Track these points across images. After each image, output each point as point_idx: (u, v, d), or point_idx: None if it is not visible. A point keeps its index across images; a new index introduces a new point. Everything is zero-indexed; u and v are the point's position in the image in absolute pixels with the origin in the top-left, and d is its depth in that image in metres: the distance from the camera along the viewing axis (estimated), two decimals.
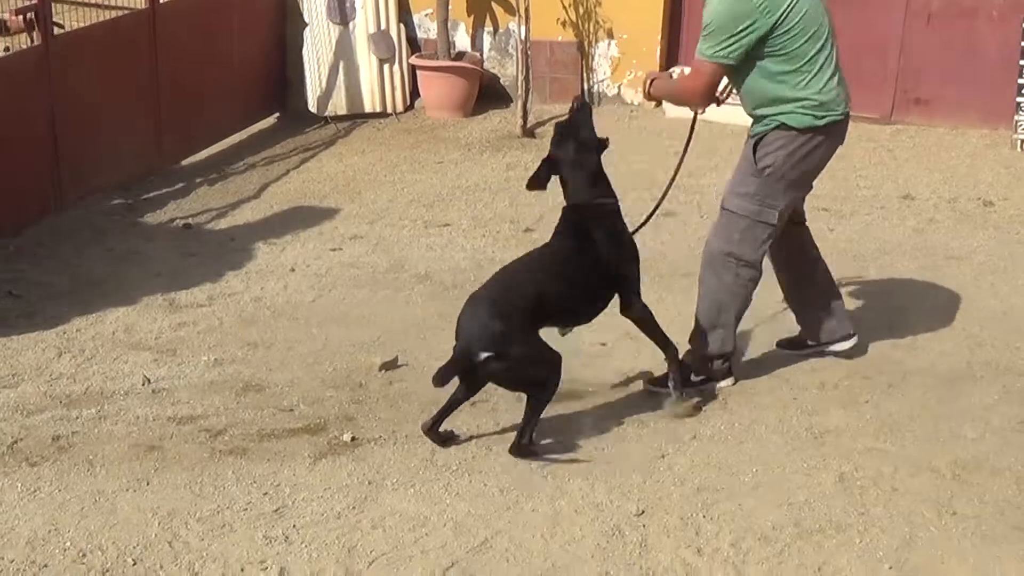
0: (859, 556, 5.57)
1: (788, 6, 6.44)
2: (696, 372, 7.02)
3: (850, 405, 6.87)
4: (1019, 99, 11.34)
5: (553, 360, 6.23)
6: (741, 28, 6.42)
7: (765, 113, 6.68)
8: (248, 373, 7.12)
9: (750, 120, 6.81)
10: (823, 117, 6.64)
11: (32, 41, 9.67)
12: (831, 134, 6.74)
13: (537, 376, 6.21)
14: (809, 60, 6.54)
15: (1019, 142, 11.34)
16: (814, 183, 6.99)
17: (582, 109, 6.67)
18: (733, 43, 6.46)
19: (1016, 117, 11.38)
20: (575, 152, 6.55)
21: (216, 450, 6.36)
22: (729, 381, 7.12)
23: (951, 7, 11.75)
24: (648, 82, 7.04)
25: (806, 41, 6.53)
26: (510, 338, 6.09)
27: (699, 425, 6.65)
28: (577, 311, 6.54)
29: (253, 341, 7.62)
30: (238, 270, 8.78)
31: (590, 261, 6.43)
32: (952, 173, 10.82)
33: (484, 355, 6.05)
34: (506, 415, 6.66)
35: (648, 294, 6.76)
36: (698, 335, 7.01)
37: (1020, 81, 11.34)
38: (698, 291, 7.03)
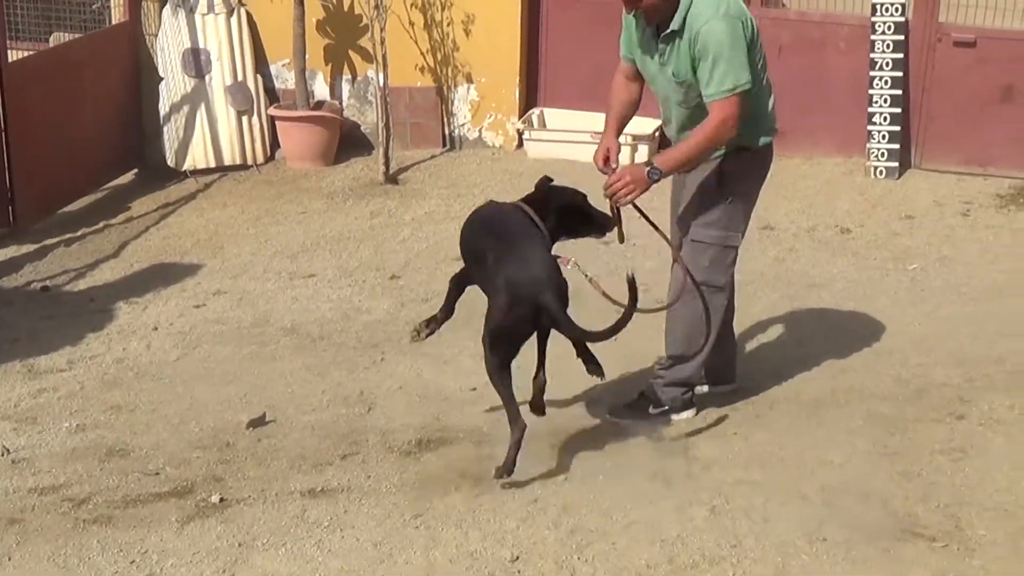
0: None
1: (751, 20, 6.52)
2: (656, 404, 7.06)
3: (719, 438, 6.89)
4: (870, 128, 11.52)
5: None
6: (745, 48, 6.41)
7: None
8: (112, 438, 6.99)
9: None
10: (773, 131, 6.83)
11: None
12: (772, 149, 6.91)
13: None
14: (761, 77, 6.62)
15: (872, 169, 11.51)
16: None
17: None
18: (747, 65, 6.41)
19: (868, 145, 11.54)
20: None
21: (80, 519, 6.22)
22: (691, 412, 7.14)
23: (801, 39, 11.88)
24: (642, 179, 6.52)
25: (761, 57, 6.62)
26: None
27: (571, 466, 6.62)
28: None
29: (116, 404, 7.49)
30: (99, 331, 8.63)
31: None
32: (810, 202, 10.93)
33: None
34: (377, 467, 6.61)
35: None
36: (670, 366, 7.04)
37: (870, 110, 11.52)
38: (668, 324, 7.01)
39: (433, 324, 6.89)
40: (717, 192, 6.75)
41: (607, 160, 6.71)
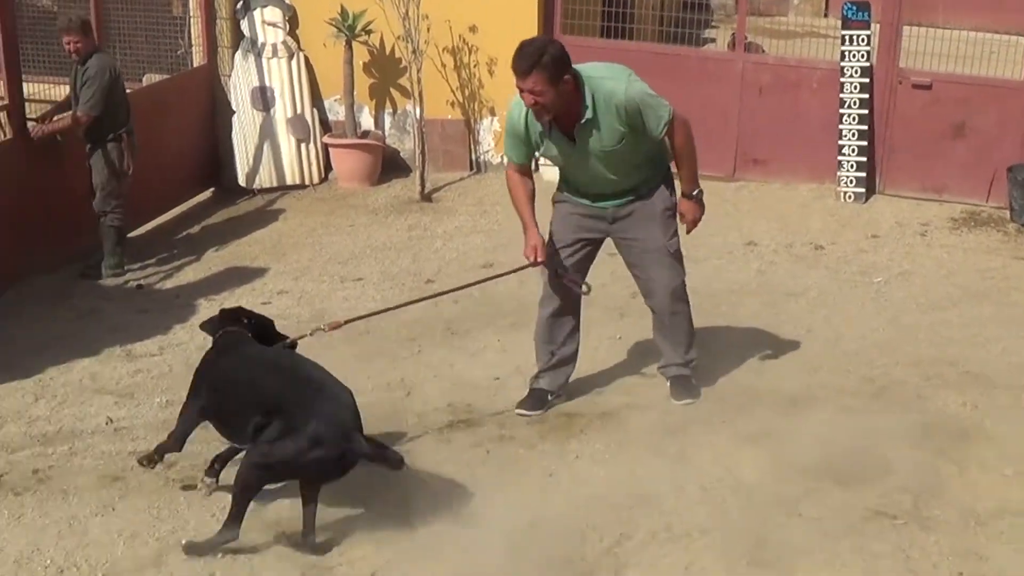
0: (721, 555, 5.60)
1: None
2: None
3: (709, 425, 6.86)
4: (840, 157, 11.49)
5: None
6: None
7: (651, 175, 6.74)
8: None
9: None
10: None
11: (4, 135, 9.55)
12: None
13: None
14: None
15: (842, 194, 11.47)
16: None
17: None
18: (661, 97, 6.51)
19: (838, 173, 11.51)
20: None
21: (170, 479, 6.27)
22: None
23: (779, 81, 11.85)
24: (695, 215, 6.91)
25: None
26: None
27: (581, 447, 6.61)
28: None
29: None
30: (184, 323, 8.61)
31: None
32: (787, 222, 10.88)
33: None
34: (415, 444, 6.61)
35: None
36: (691, 349, 7.15)
37: (840, 142, 11.48)
38: (673, 322, 7.04)
39: (158, 457, 6.12)
40: (665, 212, 6.83)
41: (536, 253, 6.64)
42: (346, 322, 6.77)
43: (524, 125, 6.51)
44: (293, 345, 6.30)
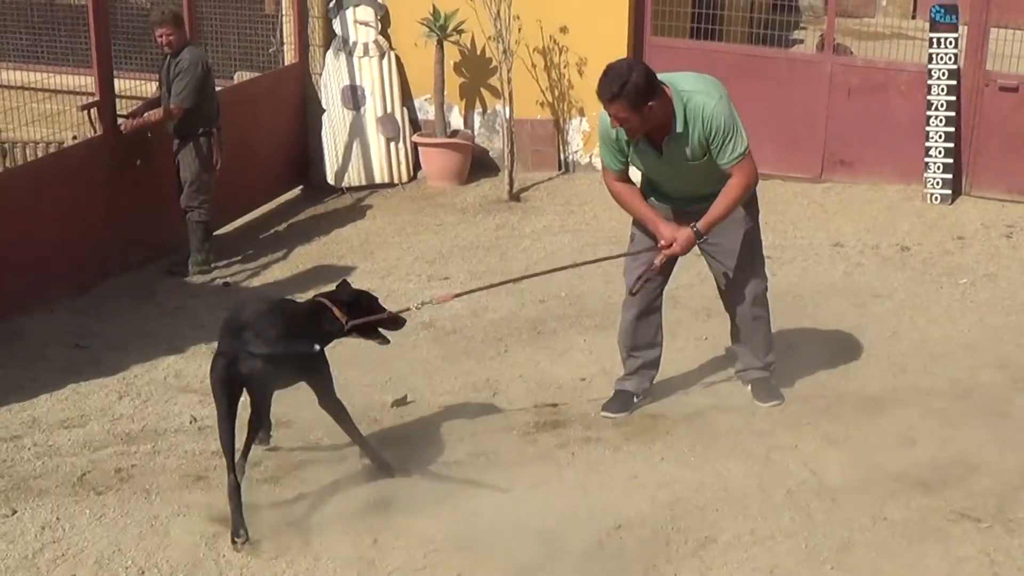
0: (805, 559, 5.53)
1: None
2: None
3: (794, 427, 6.80)
4: (927, 159, 11.34)
5: None
6: (738, 116, 6.36)
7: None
8: (279, 411, 6.97)
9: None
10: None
11: (95, 131, 9.59)
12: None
13: None
14: None
15: (928, 195, 11.33)
16: None
17: None
18: (744, 130, 6.36)
19: (925, 174, 11.37)
20: None
21: (253, 479, 6.23)
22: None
23: (867, 82, 11.73)
24: (691, 240, 6.54)
25: None
26: None
27: (666, 449, 6.56)
28: None
29: None
30: None
31: None
32: (874, 223, 10.77)
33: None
34: (501, 444, 6.60)
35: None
36: (770, 352, 7.13)
37: (927, 144, 11.34)
38: (753, 327, 7.01)
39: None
40: (746, 221, 6.75)
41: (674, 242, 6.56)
42: (455, 296, 6.79)
43: (615, 132, 6.47)
44: (395, 319, 6.38)
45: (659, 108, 6.21)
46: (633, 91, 6.11)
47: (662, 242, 6.53)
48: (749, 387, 7.14)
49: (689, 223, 6.55)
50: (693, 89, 6.33)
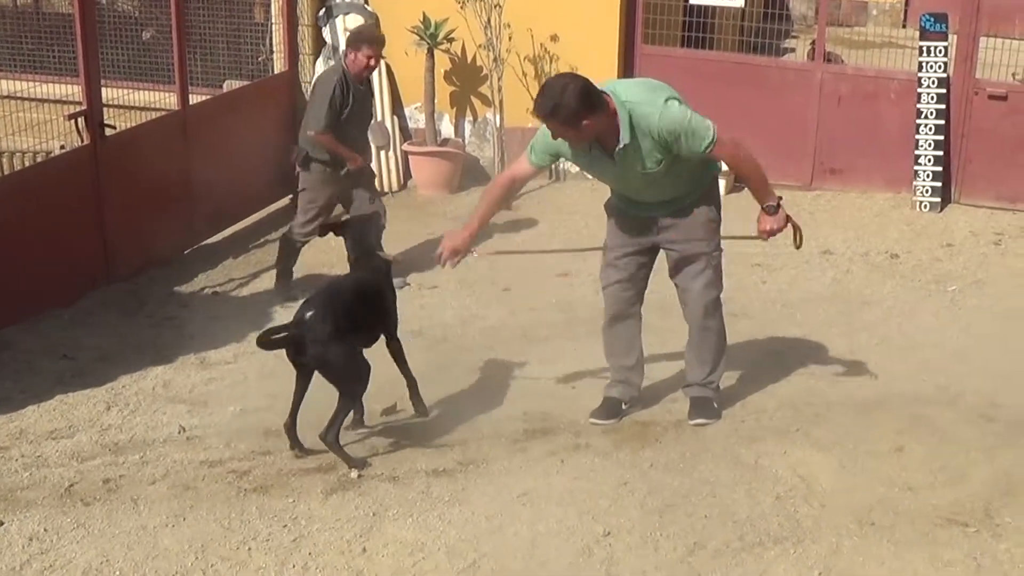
0: (793, 565, 5.53)
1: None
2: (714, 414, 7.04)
3: (783, 433, 6.80)
4: (916, 167, 11.40)
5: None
6: (690, 108, 6.33)
7: (694, 188, 6.64)
8: (270, 420, 7.01)
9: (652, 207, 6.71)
10: (717, 167, 6.81)
11: (82, 140, 9.55)
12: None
13: None
14: None
15: (918, 203, 11.38)
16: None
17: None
18: (702, 115, 6.33)
19: (914, 182, 11.42)
20: None
21: (242, 489, 6.26)
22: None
23: (856, 91, 11.78)
24: (769, 226, 6.61)
25: None
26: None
27: (656, 455, 6.56)
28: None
29: (274, 392, 7.47)
30: (260, 330, 8.60)
31: None
32: (863, 231, 10.81)
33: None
34: (490, 451, 6.61)
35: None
36: (715, 370, 7.03)
37: (916, 152, 11.39)
38: (702, 337, 6.94)
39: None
40: (710, 222, 6.73)
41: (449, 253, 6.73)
42: (497, 252, 6.77)
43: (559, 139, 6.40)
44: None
45: (599, 123, 6.19)
46: (564, 112, 6.09)
47: (443, 243, 6.73)
48: (688, 403, 7.10)
49: (657, 230, 6.62)
50: (637, 100, 6.24)
